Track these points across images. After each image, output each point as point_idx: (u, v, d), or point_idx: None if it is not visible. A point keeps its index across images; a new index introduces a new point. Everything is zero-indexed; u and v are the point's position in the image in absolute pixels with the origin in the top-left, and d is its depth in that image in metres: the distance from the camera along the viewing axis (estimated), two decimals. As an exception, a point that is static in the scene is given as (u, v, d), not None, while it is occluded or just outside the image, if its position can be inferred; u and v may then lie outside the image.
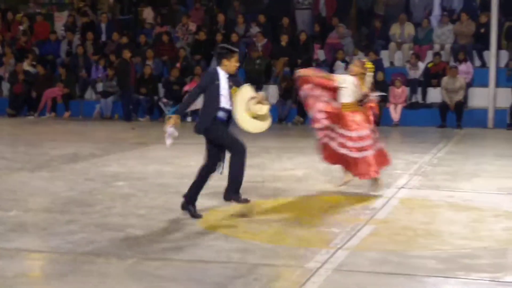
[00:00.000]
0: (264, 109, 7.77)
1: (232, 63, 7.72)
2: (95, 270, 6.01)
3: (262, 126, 7.85)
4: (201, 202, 8.56)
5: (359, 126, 8.92)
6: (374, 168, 8.92)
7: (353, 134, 8.92)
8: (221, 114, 7.72)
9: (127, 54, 18.98)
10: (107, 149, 13.33)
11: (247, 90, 7.77)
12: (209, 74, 7.95)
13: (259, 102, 7.73)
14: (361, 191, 9.41)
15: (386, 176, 10.22)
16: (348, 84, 8.96)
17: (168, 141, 7.90)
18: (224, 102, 7.68)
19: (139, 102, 19.09)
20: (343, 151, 8.99)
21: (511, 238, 7.22)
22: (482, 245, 6.82)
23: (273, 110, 18.33)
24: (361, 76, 8.99)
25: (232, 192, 7.75)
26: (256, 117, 7.75)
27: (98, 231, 7.28)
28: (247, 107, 7.68)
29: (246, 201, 7.81)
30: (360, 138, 8.92)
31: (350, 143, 8.92)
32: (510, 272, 6.03)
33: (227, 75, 7.72)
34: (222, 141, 7.72)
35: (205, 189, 8.87)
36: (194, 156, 11.23)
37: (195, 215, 7.81)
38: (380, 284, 5.78)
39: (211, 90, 7.69)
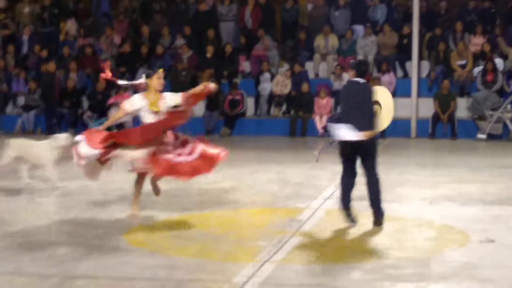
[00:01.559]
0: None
1: None
2: (16, 291, 5.87)
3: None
4: (127, 219, 8.46)
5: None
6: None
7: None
8: None
9: (52, 66, 18.65)
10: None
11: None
12: None
13: None
14: (287, 203, 9.45)
15: (311, 187, 10.31)
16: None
17: None
18: None
19: (62, 116, 18.78)
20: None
21: (433, 247, 7.37)
22: (406, 255, 6.93)
23: (200, 122, 18.47)
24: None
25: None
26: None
27: (21, 249, 7.10)
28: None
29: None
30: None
31: None
32: (433, 281, 6.13)
33: None
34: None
35: (131, 205, 8.78)
36: (119, 171, 11.09)
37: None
38: (307, 297, 5.81)
39: None
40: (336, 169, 11.90)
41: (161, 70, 8.62)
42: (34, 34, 21.13)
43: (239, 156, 14.41)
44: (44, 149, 10.57)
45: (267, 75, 18.95)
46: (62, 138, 10.58)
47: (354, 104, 8.02)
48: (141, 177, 8.28)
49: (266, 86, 18.89)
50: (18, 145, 10.67)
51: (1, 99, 19.86)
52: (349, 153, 8.13)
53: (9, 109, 20.01)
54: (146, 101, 8.24)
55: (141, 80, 8.43)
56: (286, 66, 19.52)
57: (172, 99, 8.40)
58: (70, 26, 21.39)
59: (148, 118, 8.24)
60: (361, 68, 8.19)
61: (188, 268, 6.49)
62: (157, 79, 8.33)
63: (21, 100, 19.57)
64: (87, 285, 6.01)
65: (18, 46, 20.83)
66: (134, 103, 8.27)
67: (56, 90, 18.67)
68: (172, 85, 19.06)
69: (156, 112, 8.23)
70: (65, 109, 18.70)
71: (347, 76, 18.65)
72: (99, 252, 7.02)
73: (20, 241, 7.45)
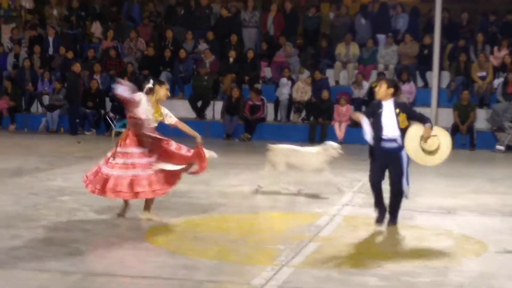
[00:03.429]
0: (434, 145, 8.30)
1: None
2: (39, 286, 5.98)
3: (436, 159, 8.51)
4: (143, 218, 8.59)
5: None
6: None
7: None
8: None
9: (77, 68, 18.87)
10: (53, 163, 13.22)
11: (417, 129, 8.31)
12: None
13: (427, 138, 8.23)
14: (306, 208, 9.54)
15: (330, 194, 10.36)
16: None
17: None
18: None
19: (85, 116, 18.99)
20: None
21: (451, 256, 7.41)
22: (423, 263, 6.99)
23: (220, 126, 18.60)
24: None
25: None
26: (430, 152, 8.33)
27: (43, 246, 7.23)
28: (420, 147, 8.33)
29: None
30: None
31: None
32: (449, 289, 6.20)
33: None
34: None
35: (155, 206, 8.91)
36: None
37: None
38: (324, 300, 5.89)
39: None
40: (354, 175, 12.02)
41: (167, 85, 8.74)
42: (60, 36, 21.37)
43: (258, 161, 14.50)
44: (315, 155, 10.50)
45: (285, 80, 19.03)
46: (333, 147, 10.54)
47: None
48: None
49: (284, 92, 18.98)
50: (286, 151, 10.62)
51: (27, 98, 20.11)
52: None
53: (34, 108, 20.25)
54: (151, 109, 8.41)
55: (149, 85, 8.51)
56: (306, 73, 19.61)
57: (169, 115, 8.55)
58: (95, 28, 21.61)
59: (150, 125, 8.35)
60: (398, 87, 8.59)
61: (207, 269, 6.58)
62: (166, 90, 8.47)
63: (45, 100, 19.81)
64: (107, 283, 6.11)
65: (45, 47, 21.06)
66: (146, 110, 8.37)
67: (80, 91, 18.87)
68: (194, 90, 19.25)
69: (158, 121, 8.43)
70: (88, 109, 18.90)
71: (367, 84, 18.76)
72: (120, 250, 7.14)
73: (42, 237, 7.58)
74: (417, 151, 8.40)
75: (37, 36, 21.33)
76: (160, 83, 8.59)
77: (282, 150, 10.65)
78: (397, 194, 8.39)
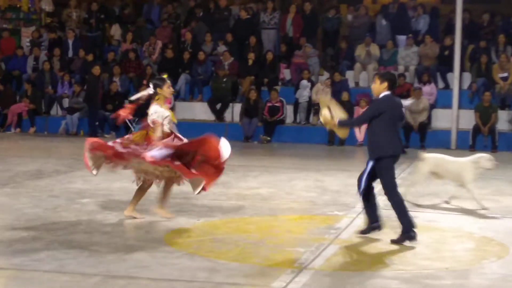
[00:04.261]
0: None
1: None
2: (59, 288, 6.00)
3: None
4: (166, 220, 8.60)
5: None
6: None
7: None
8: None
9: (97, 70, 18.92)
10: (72, 165, 13.26)
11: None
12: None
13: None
14: (326, 211, 9.50)
15: (350, 196, 10.31)
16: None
17: None
18: None
19: (105, 119, 19.05)
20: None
21: (472, 259, 7.36)
22: (444, 266, 6.93)
23: (239, 128, 18.60)
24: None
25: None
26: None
27: (63, 248, 7.25)
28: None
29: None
30: None
31: None
32: (471, 292, 6.14)
33: None
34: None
35: (171, 207, 8.92)
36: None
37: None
38: (344, 303, 5.86)
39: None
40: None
41: (166, 75, 8.71)
42: (79, 38, 21.48)
43: (277, 163, 14.49)
44: (466, 167, 10.04)
45: (305, 82, 18.99)
46: (487, 158, 10.08)
47: (399, 120, 7.99)
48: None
49: (304, 94, 18.94)
50: (435, 160, 10.26)
51: (46, 101, 20.21)
52: None
53: (54, 111, 20.35)
54: (168, 113, 8.45)
55: (150, 90, 8.51)
56: (326, 74, 19.56)
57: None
58: (115, 31, 21.69)
59: (165, 128, 8.42)
60: (393, 80, 8.07)
61: (227, 272, 6.56)
62: (168, 88, 8.47)
63: (65, 103, 19.90)
64: (127, 285, 6.11)
65: (64, 49, 21.17)
66: (163, 114, 8.39)
67: (99, 94, 18.93)
68: (213, 92, 19.26)
69: (172, 123, 8.49)
70: (107, 112, 18.95)
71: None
72: (139, 253, 7.14)
73: (62, 240, 7.60)
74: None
75: (56, 39, 21.43)
76: (158, 85, 8.50)
77: (434, 159, 10.25)
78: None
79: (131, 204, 8.67)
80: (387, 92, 7.89)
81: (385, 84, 7.87)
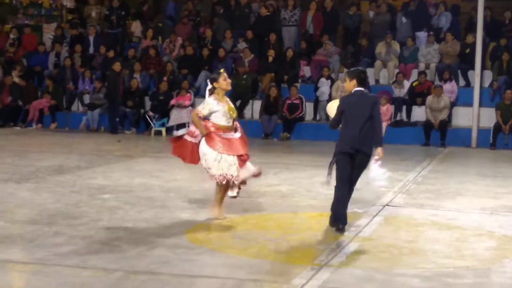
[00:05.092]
0: None
1: None
2: (81, 283, 6.04)
3: None
4: (187, 216, 8.64)
5: None
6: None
7: None
8: None
9: (117, 66, 19.03)
10: (93, 161, 13.35)
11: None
12: None
13: None
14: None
15: (370, 193, 10.31)
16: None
17: None
18: None
19: (125, 115, 19.13)
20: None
21: (493, 257, 7.33)
22: (465, 264, 6.91)
23: (259, 125, 18.61)
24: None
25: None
26: None
27: (85, 243, 7.31)
28: None
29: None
30: None
31: None
32: (492, 291, 6.12)
33: None
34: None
35: (191, 204, 8.96)
36: (180, 170, 11.29)
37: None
38: (365, 301, 5.86)
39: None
40: (394, 175, 11.93)
41: (222, 70, 8.78)
42: (100, 35, 21.59)
43: (297, 160, 14.49)
44: None
45: (324, 80, 18.97)
46: None
47: (364, 117, 7.90)
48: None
49: (325, 91, 18.92)
50: None
51: (67, 97, 20.34)
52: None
53: (75, 107, 20.47)
54: (222, 106, 8.42)
55: (209, 87, 8.58)
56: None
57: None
58: (135, 28, 21.77)
59: (222, 121, 8.41)
60: (362, 77, 8.11)
61: (248, 268, 6.59)
62: (224, 80, 8.49)
63: (86, 99, 20.01)
64: (149, 281, 6.15)
65: (85, 46, 21.29)
66: (211, 107, 8.41)
67: (120, 90, 19.04)
68: (234, 88, 19.23)
69: (231, 117, 8.47)
70: (128, 108, 19.04)
71: (407, 84, 18.63)
72: (160, 248, 7.18)
73: (84, 235, 7.65)
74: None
75: (78, 35, 21.55)
76: (214, 79, 8.55)
77: None
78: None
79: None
80: (358, 89, 8.03)
81: (354, 81, 8.02)
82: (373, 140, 7.97)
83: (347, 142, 7.92)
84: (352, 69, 8.44)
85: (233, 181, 8.35)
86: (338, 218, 8.04)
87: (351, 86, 8.02)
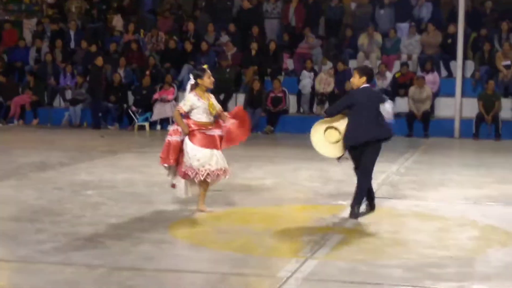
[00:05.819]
0: (334, 137, 8.47)
1: None
2: (65, 280, 6.01)
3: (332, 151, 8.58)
4: (171, 211, 8.61)
5: None
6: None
7: None
8: None
9: (100, 61, 18.91)
10: (76, 157, 13.28)
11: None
12: None
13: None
14: (330, 201, 9.51)
15: (354, 186, 10.32)
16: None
17: None
18: None
19: (108, 110, 19.04)
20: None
21: (476, 247, 7.36)
22: (448, 254, 6.94)
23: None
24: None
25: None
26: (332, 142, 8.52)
27: (68, 240, 7.27)
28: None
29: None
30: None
31: None
32: (476, 281, 6.13)
33: None
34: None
35: (175, 199, 8.94)
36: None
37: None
38: (349, 293, 5.87)
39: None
40: (377, 168, 11.94)
41: (206, 66, 8.77)
42: (81, 29, 21.47)
43: (281, 153, 14.50)
44: None
45: (306, 72, 18.96)
46: None
47: (373, 111, 8.37)
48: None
49: (306, 84, 18.91)
50: None
51: (49, 92, 20.22)
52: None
53: (57, 102, 20.35)
54: (203, 102, 8.42)
55: (191, 81, 8.56)
56: (329, 64, 19.53)
57: (215, 103, 8.61)
58: (117, 22, 21.66)
59: (203, 118, 8.41)
60: (371, 74, 8.65)
61: (232, 262, 6.58)
62: (208, 78, 8.50)
63: (68, 94, 19.90)
64: (133, 277, 6.12)
65: (66, 41, 21.16)
66: (192, 104, 8.40)
67: (102, 85, 18.94)
68: (216, 82, 19.13)
69: (211, 113, 8.44)
70: (110, 103, 18.96)
71: (390, 75, 18.66)
72: (144, 244, 7.15)
73: (67, 232, 7.61)
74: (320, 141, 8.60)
75: (58, 30, 21.40)
76: (198, 75, 8.53)
77: None
78: None
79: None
80: (367, 85, 8.49)
81: (364, 78, 8.47)
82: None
83: (357, 135, 8.28)
84: (361, 66, 9.01)
85: (201, 176, 8.32)
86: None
87: (361, 82, 8.45)
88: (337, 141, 8.44)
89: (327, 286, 5.96)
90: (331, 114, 8.58)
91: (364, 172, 8.40)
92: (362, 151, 8.35)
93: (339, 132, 8.42)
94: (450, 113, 18.01)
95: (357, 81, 8.48)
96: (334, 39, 20.23)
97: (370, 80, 8.57)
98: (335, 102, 9.34)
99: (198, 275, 6.20)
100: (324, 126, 8.52)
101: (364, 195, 8.48)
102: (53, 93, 20.25)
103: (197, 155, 8.31)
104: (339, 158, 8.61)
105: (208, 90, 8.66)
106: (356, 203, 8.37)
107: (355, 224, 8.21)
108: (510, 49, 18.39)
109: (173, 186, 8.72)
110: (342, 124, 8.42)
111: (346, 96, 8.58)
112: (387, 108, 8.57)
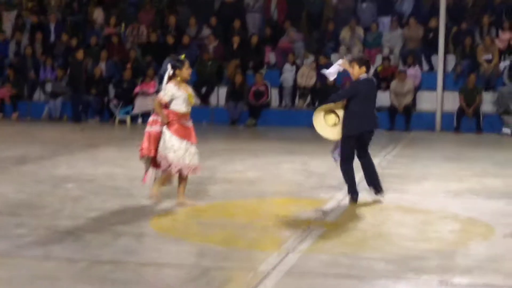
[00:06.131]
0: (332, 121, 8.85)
1: None
2: (46, 274, 5.95)
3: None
4: (152, 205, 8.57)
5: None
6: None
7: None
8: None
9: (80, 54, 18.78)
10: (56, 150, 13.19)
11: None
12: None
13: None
14: (312, 194, 9.51)
15: (336, 179, 10.33)
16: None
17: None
18: None
19: (88, 103, 18.93)
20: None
21: (458, 240, 7.38)
22: (430, 247, 6.95)
23: (225, 112, 18.55)
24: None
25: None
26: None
27: (48, 234, 7.20)
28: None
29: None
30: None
31: None
32: (458, 273, 6.14)
33: None
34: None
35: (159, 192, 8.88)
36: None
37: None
38: (332, 286, 5.85)
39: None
40: (358, 162, 11.93)
41: (183, 56, 8.75)
42: (61, 22, 21.30)
43: (263, 147, 14.48)
44: None
45: (288, 66, 18.95)
46: None
47: (374, 101, 8.92)
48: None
49: (288, 77, 18.89)
50: None
51: (29, 86, 20.06)
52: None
53: (37, 95, 20.21)
54: (183, 92, 8.40)
55: (169, 71, 8.52)
56: (311, 57, 19.52)
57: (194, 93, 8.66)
58: (97, 15, 21.51)
59: (182, 108, 8.39)
60: (368, 65, 8.86)
61: (214, 256, 6.55)
62: (186, 69, 8.49)
63: (48, 87, 19.76)
64: (114, 270, 6.08)
65: (46, 34, 20.99)
66: (173, 94, 8.38)
67: (83, 78, 18.81)
68: (198, 76, 19.16)
69: (190, 103, 8.45)
70: (91, 96, 18.84)
71: (372, 68, 18.67)
72: (125, 237, 7.10)
73: (47, 225, 7.55)
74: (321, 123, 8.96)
75: (38, 23, 21.24)
76: (177, 66, 8.51)
77: None
78: None
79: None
80: (366, 75, 8.71)
81: (364, 68, 8.69)
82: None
83: (361, 124, 8.65)
84: (358, 56, 9.27)
85: (174, 170, 8.31)
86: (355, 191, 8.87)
87: (360, 72, 8.66)
88: (335, 124, 8.76)
89: (310, 279, 5.94)
90: (334, 101, 8.90)
91: (370, 157, 8.95)
92: (359, 139, 8.74)
93: (338, 117, 8.75)
94: (431, 107, 18.07)
95: (357, 72, 8.68)
96: (316, 32, 20.21)
97: (368, 69, 8.80)
98: (338, 91, 9.88)
99: (180, 269, 6.16)
100: (324, 110, 8.92)
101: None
102: (33, 86, 20.11)
103: (175, 145, 8.29)
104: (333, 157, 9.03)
105: (191, 80, 8.64)
106: (377, 183, 8.93)
107: (337, 218, 8.20)
108: (491, 43, 18.47)
109: (144, 181, 8.69)
110: (341, 110, 8.77)
111: (351, 86, 8.83)
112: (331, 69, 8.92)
